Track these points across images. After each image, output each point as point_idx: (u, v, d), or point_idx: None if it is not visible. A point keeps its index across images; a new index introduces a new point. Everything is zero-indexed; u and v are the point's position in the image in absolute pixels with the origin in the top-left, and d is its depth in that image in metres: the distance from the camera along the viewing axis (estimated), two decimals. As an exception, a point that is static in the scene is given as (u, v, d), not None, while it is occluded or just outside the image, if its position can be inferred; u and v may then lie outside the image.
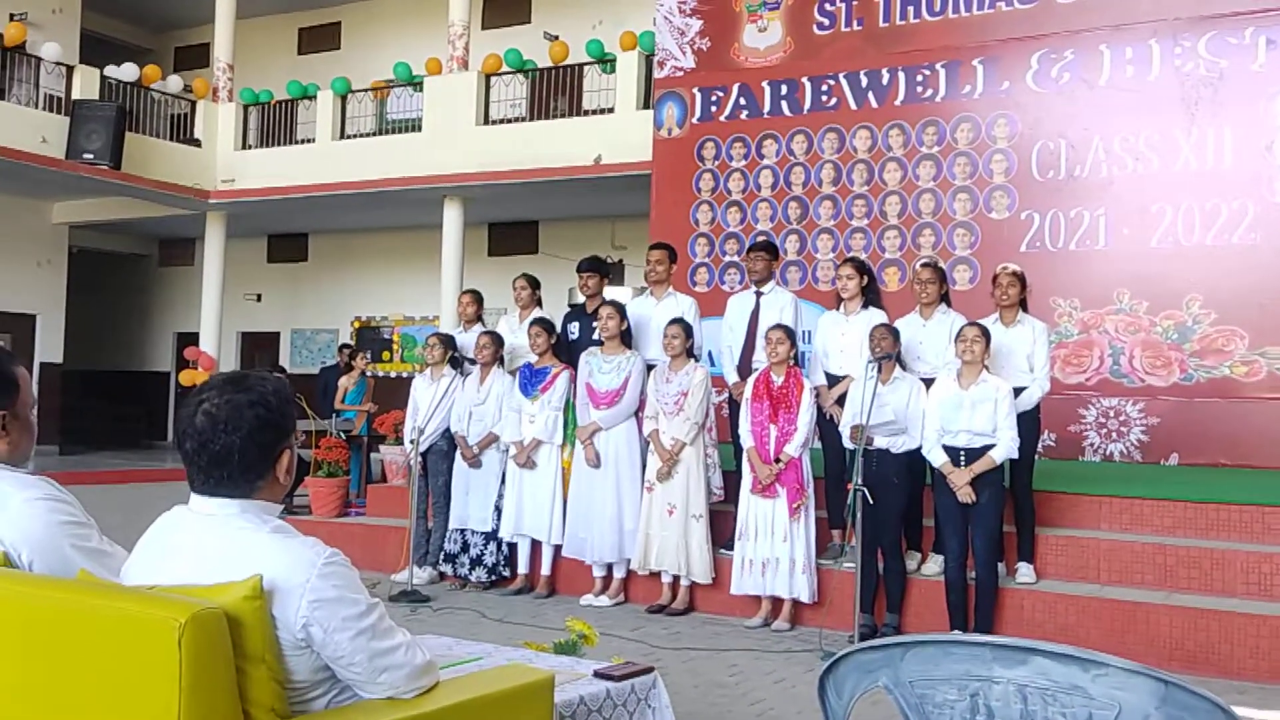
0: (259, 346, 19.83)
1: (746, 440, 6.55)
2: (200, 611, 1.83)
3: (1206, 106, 8.83)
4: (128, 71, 15.98)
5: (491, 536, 7.50)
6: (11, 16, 16.07)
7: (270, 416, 2.09)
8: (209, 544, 2.05)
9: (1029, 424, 6.26)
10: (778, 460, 6.39)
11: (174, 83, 16.81)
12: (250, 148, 16.71)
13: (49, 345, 17.76)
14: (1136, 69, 9.10)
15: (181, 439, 2.09)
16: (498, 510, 7.49)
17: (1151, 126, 9.02)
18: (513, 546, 7.53)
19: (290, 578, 1.97)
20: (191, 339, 17.34)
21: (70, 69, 15.35)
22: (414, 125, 15.46)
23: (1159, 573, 6.18)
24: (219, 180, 16.40)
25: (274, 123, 16.81)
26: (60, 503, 2.28)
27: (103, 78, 15.54)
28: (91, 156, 14.51)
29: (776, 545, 6.38)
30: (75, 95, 15.07)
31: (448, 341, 7.98)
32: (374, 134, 16.18)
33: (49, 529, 2.23)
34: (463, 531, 7.60)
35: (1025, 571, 6.34)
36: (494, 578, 7.51)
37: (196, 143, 16.47)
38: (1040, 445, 7.33)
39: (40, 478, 2.34)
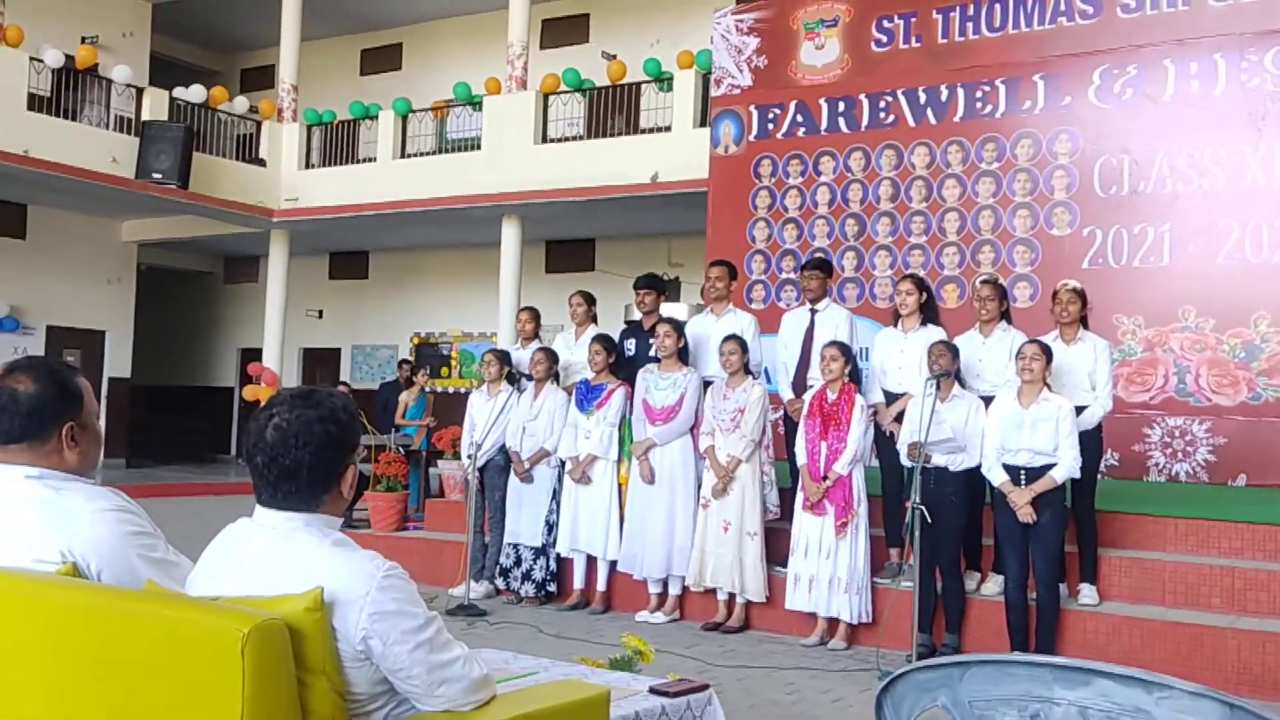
0: (320, 362, 20.08)
1: (800, 457, 6.53)
2: (263, 623, 1.85)
3: (1274, 121, 8.67)
4: (195, 93, 16.31)
5: (542, 552, 7.53)
6: (83, 40, 16.48)
7: (339, 433, 2.12)
8: (272, 556, 2.08)
9: (1091, 443, 6.16)
10: (826, 477, 6.36)
11: (240, 104, 17.13)
12: (313, 167, 16.96)
13: (118, 361, 18.13)
14: (1201, 83, 8.96)
15: (251, 453, 2.11)
16: (549, 525, 7.52)
17: (1217, 142, 8.87)
18: (562, 562, 7.55)
19: (350, 590, 1.99)
20: (255, 355, 17.61)
21: (140, 91, 15.69)
22: (473, 144, 15.60)
23: (1226, 595, 6.06)
24: (283, 199, 16.66)
25: (336, 142, 17.06)
26: (128, 514, 2.32)
27: (171, 99, 15.86)
28: (160, 176, 14.79)
29: (822, 562, 6.34)
30: (145, 116, 15.39)
31: (503, 358, 8.03)
32: (434, 153, 16.34)
33: (118, 539, 2.27)
34: (515, 546, 7.64)
35: (1088, 593, 6.23)
36: (543, 593, 7.53)
37: (261, 162, 16.76)
38: (1103, 465, 7.22)
39: (109, 489, 2.37)
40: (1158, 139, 9.10)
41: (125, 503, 2.34)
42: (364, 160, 16.61)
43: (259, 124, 16.98)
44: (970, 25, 9.97)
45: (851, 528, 6.33)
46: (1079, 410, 6.01)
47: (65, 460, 2.36)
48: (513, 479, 7.72)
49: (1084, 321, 6.42)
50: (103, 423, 2.54)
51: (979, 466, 6.02)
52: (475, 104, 15.78)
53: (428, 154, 16.37)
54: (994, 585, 6.38)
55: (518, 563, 7.62)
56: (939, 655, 5.91)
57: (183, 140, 14.97)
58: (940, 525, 5.90)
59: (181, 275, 21.13)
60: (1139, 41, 9.19)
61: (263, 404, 2.18)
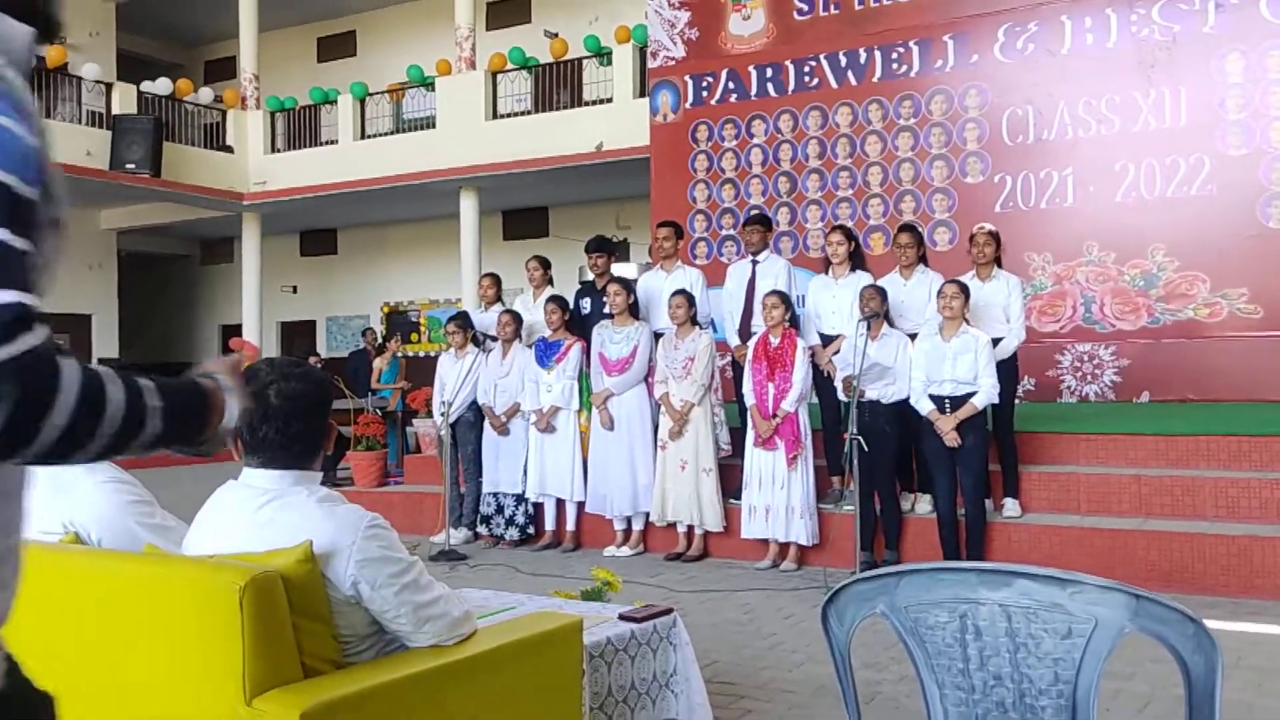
0: (297, 334, 19.87)
1: (749, 398, 6.58)
2: (258, 575, 1.86)
3: (1162, 69, 8.77)
4: (162, 86, 15.96)
5: (521, 498, 7.56)
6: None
7: (328, 396, 2.17)
8: (263, 514, 2.08)
9: (1008, 371, 6.26)
10: (775, 415, 6.42)
11: (205, 94, 16.80)
12: (279, 151, 16.69)
13: (105, 342, 17.83)
14: (1096, 36, 9.03)
15: (255, 422, 2.06)
16: (525, 473, 7.54)
17: (1112, 90, 8.96)
18: (539, 506, 7.59)
19: (338, 541, 2.00)
20: (235, 330, 17.40)
21: (109, 86, 15.34)
22: (428, 123, 15.42)
23: (1135, 501, 6.20)
24: (252, 183, 16.40)
25: (299, 127, 16.79)
26: (125, 484, 2.31)
27: (139, 93, 15.53)
28: (133, 166, 14.52)
29: (776, 493, 6.41)
30: (115, 110, 15.07)
31: (466, 323, 8.01)
32: (392, 133, 16.14)
33: (117, 509, 2.27)
34: (496, 495, 7.66)
35: (1011, 506, 6.36)
36: (525, 536, 7.58)
37: (229, 149, 16.46)
38: (1020, 390, 7.34)
39: (104, 461, 2.36)
40: (1058, 90, 9.17)
41: (121, 474, 2.33)
42: (326, 143, 16.36)
43: (224, 113, 16.66)
44: (884, -9, 9.96)
45: (801, 460, 6.40)
46: (996, 342, 6.09)
47: None
48: (488, 432, 7.72)
49: (998, 261, 6.49)
50: None
51: (908, 398, 6.10)
52: (428, 85, 15.57)
53: (386, 134, 16.16)
54: (926, 504, 6.49)
55: (499, 510, 7.64)
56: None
57: (152, 131, 14.68)
58: (876, 453, 5.98)
59: (160, 259, 20.77)
60: (1039, 0, 9.23)
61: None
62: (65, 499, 2.25)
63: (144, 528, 2.28)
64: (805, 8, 10.35)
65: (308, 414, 2.09)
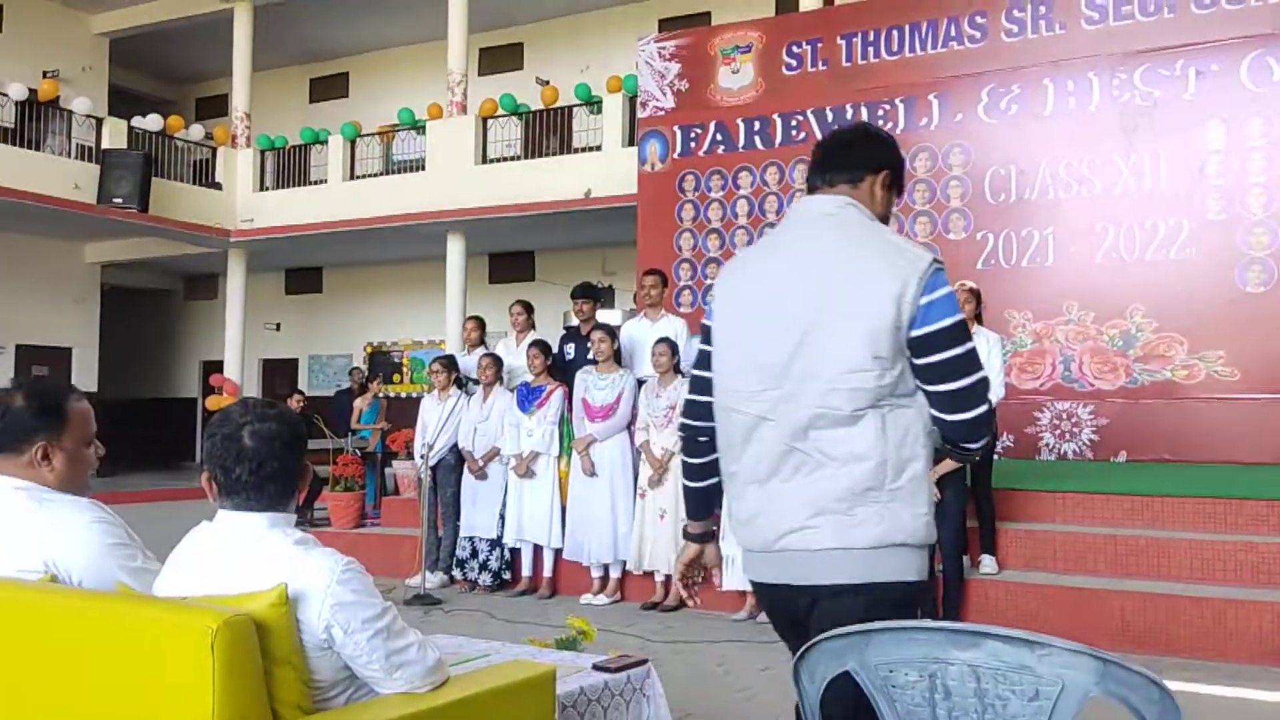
0: (279, 372, 19.80)
1: (729, 448, 6.58)
2: (231, 618, 1.85)
3: (1143, 133, 8.92)
4: (153, 122, 16.01)
5: (496, 543, 7.53)
6: (44, 74, 16.11)
7: (303, 437, 2.16)
8: (238, 556, 2.07)
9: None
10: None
11: (196, 131, 16.85)
12: (267, 189, 16.74)
13: (84, 376, 17.70)
14: (1078, 99, 9.20)
15: (228, 463, 2.07)
16: (502, 518, 7.51)
17: (1093, 152, 9.10)
18: (515, 551, 7.55)
19: (312, 585, 2.00)
20: (216, 367, 17.33)
21: (99, 121, 15.37)
22: (418, 165, 15.49)
23: (1110, 561, 6.22)
24: (239, 220, 16.42)
25: (289, 166, 16.85)
26: (109, 525, 2.29)
27: (130, 128, 15.56)
28: (121, 201, 14.51)
29: (759, 544, 6.40)
30: (105, 145, 15.08)
31: (450, 364, 8.02)
32: (381, 174, 16.20)
33: (99, 551, 2.24)
34: (472, 539, 7.63)
35: (988, 563, 6.37)
36: (499, 581, 7.53)
37: (218, 186, 16.50)
38: (1000, 446, 7.39)
39: (90, 501, 2.34)
40: (1040, 151, 9.31)
41: (107, 515, 2.31)
42: (315, 182, 16.41)
43: (214, 150, 16.71)
44: (871, 49, 10.13)
45: (776, 511, 6.39)
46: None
47: (44, 477, 2.33)
48: (467, 476, 7.71)
49: (979, 318, 6.56)
50: (94, 448, 2.44)
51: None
52: (419, 128, 15.67)
53: (375, 175, 16.22)
54: (904, 559, 6.48)
55: (474, 554, 7.60)
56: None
57: (141, 167, 14.70)
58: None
59: (144, 294, 20.70)
60: (1021, 63, 9.41)
61: (217, 418, 2.15)
62: (48, 539, 2.23)
63: (125, 571, 2.25)
64: (794, 63, 10.51)
65: (282, 455, 2.08)
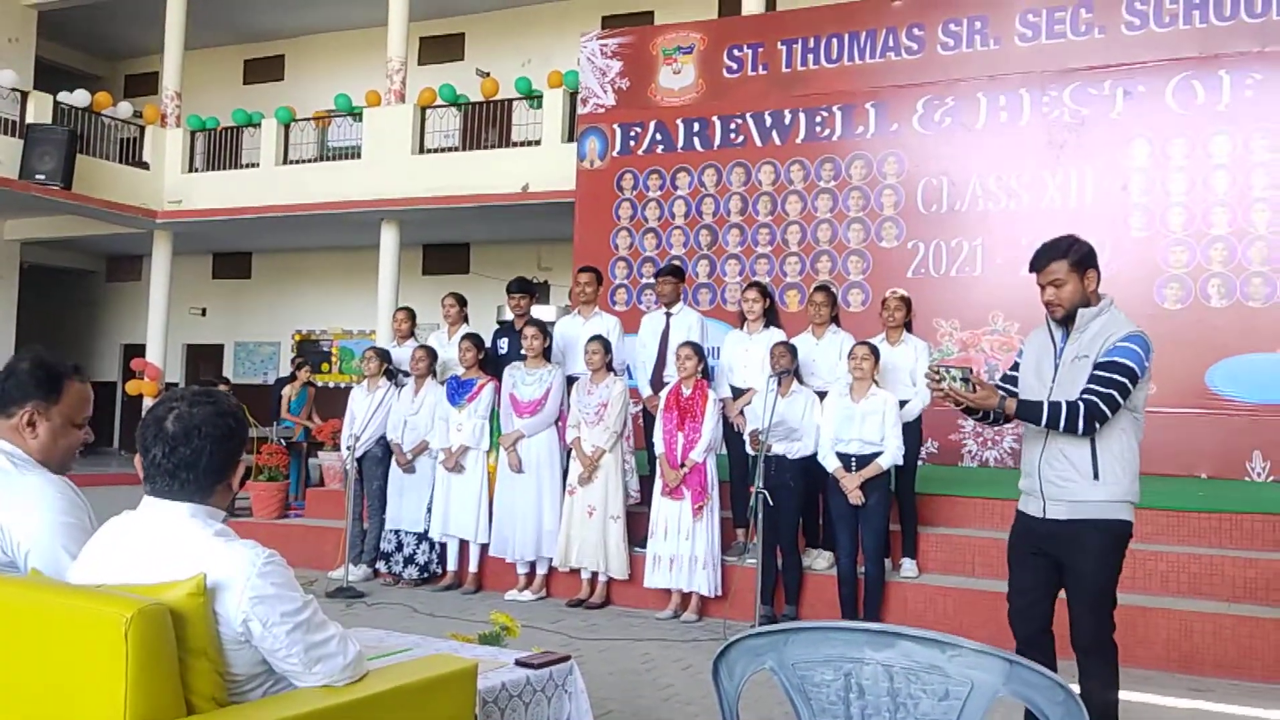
0: (203, 358, 19.41)
1: (658, 447, 6.63)
2: (146, 607, 1.83)
3: (1070, 150, 9.14)
4: (80, 98, 15.59)
5: (423, 537, 7.47)
6: (-34, 44, 15.60)
7: (236, 427, 2.13)
8: (156, 545, 2.05)
9: (912, 433, 6.42)
10: (683, 465, 6.47)
11: (124, 109, 16.43)
12: (197, 171, 16.39)
13: (0, 356, 17.23)
14: (1009, 114, 9.40)
15: (148, 444, 2.07)
16: (429, 512, 7.46)
17: (1022, 167, 9.31)
18: (443, 545, 7.51)
19: (231, 577, 1.98)
20: (138, 351, 16.93)
21: (24, 94, 14.93)
22: (354, 153, 15.30)
23: (1026, 566, 6.34)
24: (166, 201, 16.06)
25: (220, 148, 16.52)
26: (72, 506, 2.31)
27: (56, 103, 15.14)
28: (44, 177, 14.12)
29: (681, 543, 6.45)
30: (29, 119, 14.66)
31: (383, 355, 7.94)
32: (315, 160, 15.96)
33: (51, 527, 2.26)
34: (397, 532, 7.56)
35: (909, 566, 6.49)
36: (425, 575, 7.48)
37: (145, 165, 16.11)
38: (923, 452, 7.51)
39: (63, 480, 2.36)
40: (972, 163, 9.50)
41: (73, 495, 2.34)
42: (247, 165, 16.11)
43: (143, 129, 16.32)
44: (811, 56, 10.25)
45: (707, 510, 6.45)
46: (902, 404, 6.25)
47: (25, 443, 2.36)
48: (394, 468, 7.64)
49: (908, 325, 6.68)
50: (86, 431, 2.49)
51: (815, 455, 6.21)
52: (356, 115, 15.47)
53: (309, 161, 15.97)
54: (826, 561, 6.59)
55: (399, 547, 7.54)
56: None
57: (66, 143, 14.30)
58: (780, 508, 6.07)
59: (64, 273, 20.15)
60: (956, 76, 9.59)
61: (156, 400, 2.15)
62: (6, 501, 2.24)
63: (68, 553, 2.24)
64: (735, 66, 10.58)
65: (201, 445, 2.06)
